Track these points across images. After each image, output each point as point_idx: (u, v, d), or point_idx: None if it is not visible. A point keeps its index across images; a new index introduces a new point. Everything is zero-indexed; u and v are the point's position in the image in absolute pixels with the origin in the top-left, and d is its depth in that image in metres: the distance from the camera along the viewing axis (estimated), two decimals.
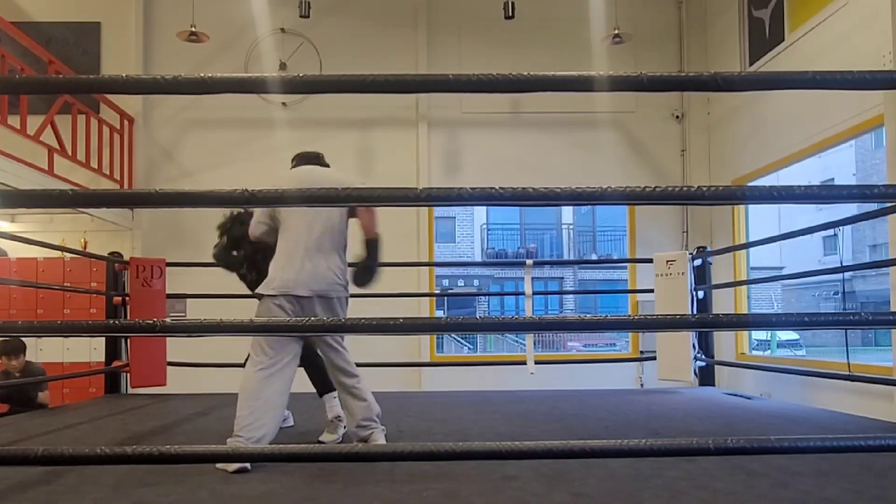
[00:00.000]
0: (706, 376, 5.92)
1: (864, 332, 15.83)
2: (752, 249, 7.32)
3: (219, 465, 2.74)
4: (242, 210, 3.46)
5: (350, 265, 3.21)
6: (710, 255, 5.97)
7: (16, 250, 7.54)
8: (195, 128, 8.03)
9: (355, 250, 3.25)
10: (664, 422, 4.09)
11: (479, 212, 21.46)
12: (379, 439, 3.11)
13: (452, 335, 17.94)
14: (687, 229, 8.11)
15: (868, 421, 4.08)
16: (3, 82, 2.46)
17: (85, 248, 7.25)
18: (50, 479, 2.62)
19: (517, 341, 15.61)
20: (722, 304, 7.01)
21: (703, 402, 5.03)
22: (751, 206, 7.38)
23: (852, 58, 5.43)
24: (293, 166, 3.37)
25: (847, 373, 4.32)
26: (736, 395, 5.44)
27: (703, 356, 5.85)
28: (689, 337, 5.52)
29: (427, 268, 8.09)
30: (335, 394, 3.39)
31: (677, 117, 8.20)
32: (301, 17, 7.46)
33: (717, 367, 6.10)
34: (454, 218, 21.61)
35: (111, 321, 5.33)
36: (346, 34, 8.04)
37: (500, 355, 12.24)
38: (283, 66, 7.83)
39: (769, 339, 14.30)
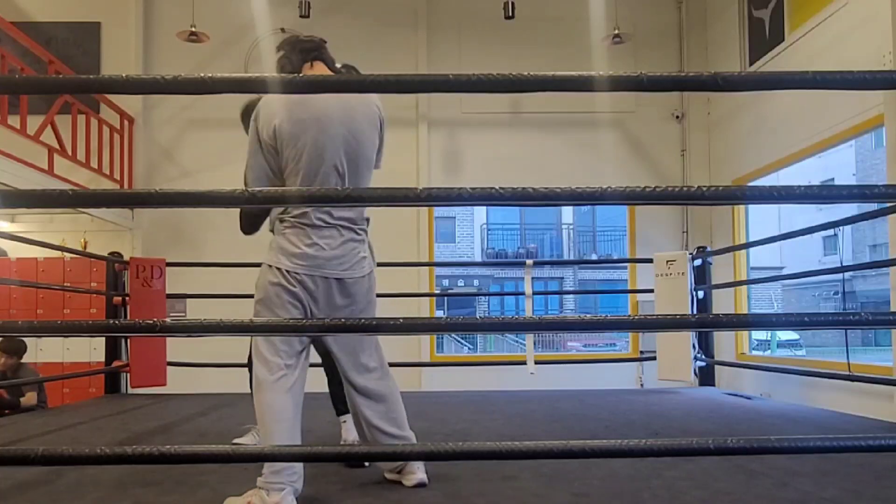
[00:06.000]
0: (706, 376, 5.92)
1: (864, 332, 15.84)
2: (752, 249, 7.32)
3: None
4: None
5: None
6: (710, 255, 5.97)
7: (16, 250, 7.55)
8: (195, 128, 8.03)
9: None
10: (664, 422, 4.08)
11: (479, 212, 21.48)
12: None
13: (452, 335, 17.94)
14: (687, 229, 8.11)
15: (868, 421, 4.08)
16: (3, 82, 2.46)
17: (85, 248, 7.25)
18: (50, 479, 2.62)
19: (517, 341, 15.62)
20: (722, 304, 7.01)
21: (703, 402, 5.03)
22: (751, 206, 7.38)
23: (852, 58, 5.43)
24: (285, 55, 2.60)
25: (847, 373, 4.32)
26: (736, 395, 5.44)
27: (703, 356, 5.85)
28: (689, 337, 5.52)
29: (427, 268, 8.09)
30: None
31: (677, 117, 8.20)
32: (301, 17, 7.45)
33: (717, 367, 6.10)
34: (454, 218, 21.62)
35: (111, 321, 5.33)
36: (346, 34, 8.03)
37: (500, 355, 12.24)
38: None
39: (769, 339, 14.31)
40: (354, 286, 2.52)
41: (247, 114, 2.94)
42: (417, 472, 2.52)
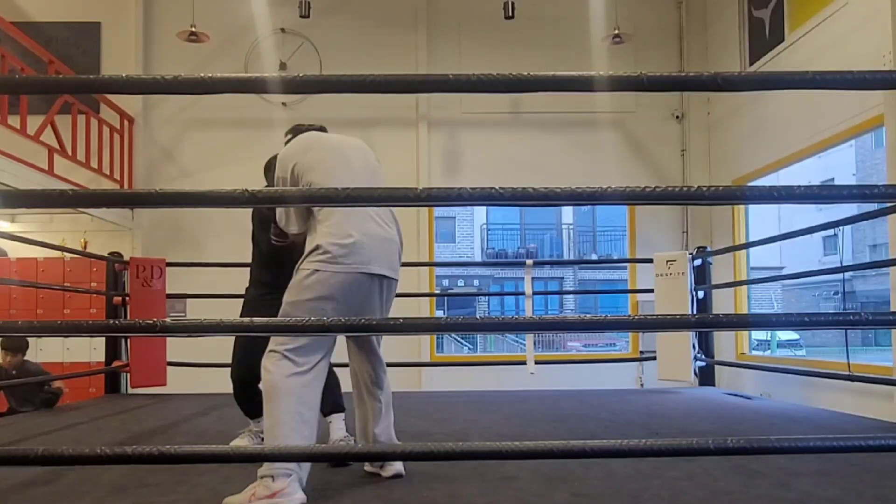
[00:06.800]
0: (706, 376, 5.92)
1: (864, 332, 15.83)
2: (752, 249, 7.32)
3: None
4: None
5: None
6: (710, 255, 5.97)
7: (16, 250, 7.54)
8: (195, 128, 8.03)
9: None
10: (664, 422, 4.08)
11: (479, 212, 21.47)
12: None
13: (452, 335, 17.95)
14: (687, 229, 8.11)
15: (868, 421, 4.08)
16: (3, 82, 2.46)
17: (85, 248, 7.25)
18: (50, 479, 2.62)
19: (517, 341, 15.60)
20: (722, 304, 7.00)
21: (703, 402, 5.03)
22: (751, 206, 7.38)
23: (852, 58, 5.43)
24: (292, 137, 2.83)
25: (847, 373, 4.32)
26: (736, 395, 5.44)
27: (703, 356, 5.85)
28: (689, 337, 5.52)
29: (427, 268, 8.08)
30: (343, 414, 3.10)
31: (677, 117, 8.20)
32: (301, 17, 7.46)
33: (717, 367, 6.10)
34: (454, 218, 21.61)
35: (111, 321, 5.33)
36: (346, 34, 8.04)
37: (500, 355, 12.24)
38: (283, 66, 7.83)
39: (769, 339, 14.29)
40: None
41: (268, 168, 3.25)
42: (395, 465, 2.64)
